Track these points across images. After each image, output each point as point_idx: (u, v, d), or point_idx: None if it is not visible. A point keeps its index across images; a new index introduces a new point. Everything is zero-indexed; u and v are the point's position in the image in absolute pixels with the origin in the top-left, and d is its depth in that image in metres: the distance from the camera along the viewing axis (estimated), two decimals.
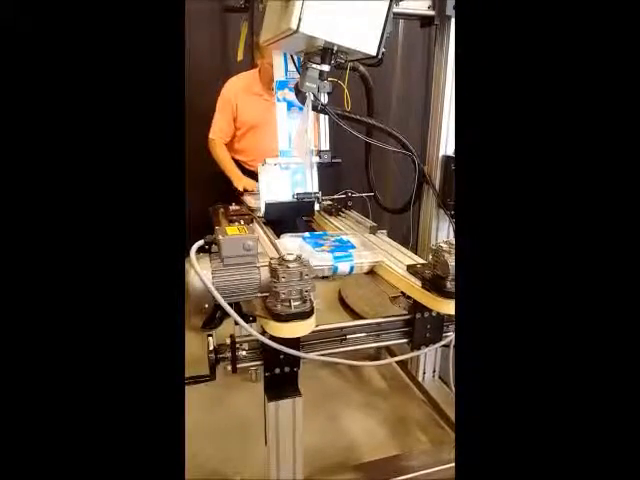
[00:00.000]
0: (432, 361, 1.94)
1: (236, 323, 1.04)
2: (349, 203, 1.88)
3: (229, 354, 1.11)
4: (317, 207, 1.76)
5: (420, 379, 1.95)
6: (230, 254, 1.06)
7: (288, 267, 1.02)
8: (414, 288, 1.20)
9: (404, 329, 1.31)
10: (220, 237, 1.07)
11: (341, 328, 1.25)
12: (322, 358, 1.18)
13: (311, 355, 1.15)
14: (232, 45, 2.54)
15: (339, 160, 1.74)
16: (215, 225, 1.40)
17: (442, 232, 1.67)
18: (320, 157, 1.69)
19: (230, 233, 1.08)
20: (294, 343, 1.08)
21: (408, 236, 1.69)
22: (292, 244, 1.41)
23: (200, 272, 1.00)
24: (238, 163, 2.26)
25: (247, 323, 1.04)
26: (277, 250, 1.29)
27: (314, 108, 1.37)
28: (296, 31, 1.04)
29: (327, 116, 1.49)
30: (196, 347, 1.51)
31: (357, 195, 1.89)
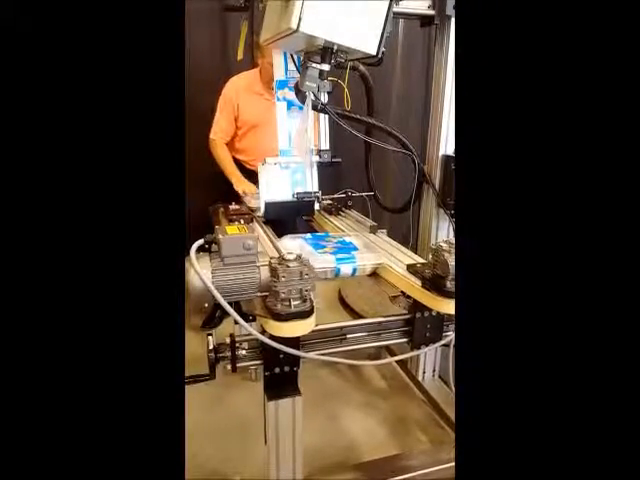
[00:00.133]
0: (432, 361, 1.93)
1: (236, 322, 1.04)
2: (349, 202, 1.89)
3: (229, 353, 1.11)
4: (317, 206, 1.76)
5: (420, 379, 1.95)
6: (230, 253, 1.06)
7: (288, 266, 1.02)
8: (414, 287, 1.20)
9: (404, 328, 1.31)
10: (220, 236, 1.07)
11: (341, 327, 1.25)
12: (322, 357, 1.18)
13: (311, 354, 1.15)
14: (232, 44, 2.53)
15: (339, 159, 1.73)
16: (215, 224, 1.40)
17: (442, 231, 1.67)
18: (320, 156, 1.68)
19: (230, 232, 1.09)
20: (294, 342, 1.08)
21: (408, 235, 1.69)
22: (293, 245, 1.41)
23: (200, 271, 1.00)
24: (239, 163, 2.25)
25: (247, 322, 1.04)
26: (277, 249, 1.29)
27: (314, 107, 1.37)
28: (296, 30, 1.04)
29: (327, 115, 1.48)
30: (196, 346, 1.51)
31: (357, 194, 1.89)
